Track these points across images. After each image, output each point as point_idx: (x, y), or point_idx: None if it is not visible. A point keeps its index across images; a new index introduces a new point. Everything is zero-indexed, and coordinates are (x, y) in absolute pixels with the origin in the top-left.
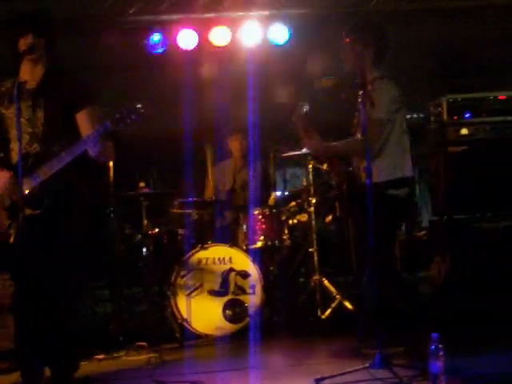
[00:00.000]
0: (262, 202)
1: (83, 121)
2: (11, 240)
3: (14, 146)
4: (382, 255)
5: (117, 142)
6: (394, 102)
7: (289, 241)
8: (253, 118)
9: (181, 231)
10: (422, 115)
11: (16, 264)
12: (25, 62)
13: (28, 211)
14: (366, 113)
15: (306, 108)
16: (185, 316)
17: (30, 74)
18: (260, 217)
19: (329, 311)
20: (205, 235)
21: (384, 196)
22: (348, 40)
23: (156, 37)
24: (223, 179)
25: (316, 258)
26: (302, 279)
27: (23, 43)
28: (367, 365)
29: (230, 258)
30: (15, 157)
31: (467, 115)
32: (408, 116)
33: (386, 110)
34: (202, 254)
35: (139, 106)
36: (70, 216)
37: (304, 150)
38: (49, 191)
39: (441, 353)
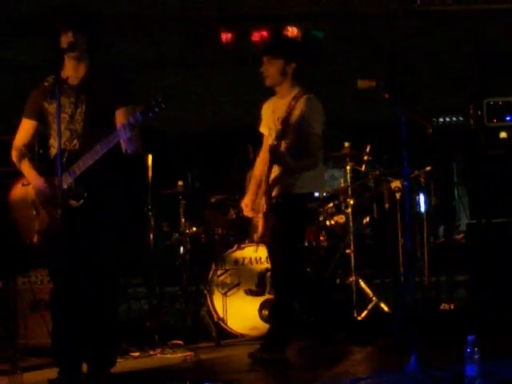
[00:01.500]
0: None
1: (121, 119)
2: (50, 236)
3: (54, 142)
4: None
5: (158, 140)
6: (323, 117)
7: (326, 242)
8: None
9: (218, 230)
10: (461, 118)
11: (54, 259)
12: (67, 59)
13: (69, 203)
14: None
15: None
16: (221, 315)
17: (72, 70)
18: None
19: (365, 313)
20: (242, 234)
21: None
22: (269, 57)
23: (198, 35)
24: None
25: (353, 259)
26: (338, 280)
27: (64, 40)
28: (403, 366)
29: (267, 258)
30: (54, 153)
31: (507, 118)
32: (448, 119)
33: (321, 125)
34: (239, 254)
35: (164, 96)
36: (109, 207)
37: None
38: (86, 184)
39: (476, 355)
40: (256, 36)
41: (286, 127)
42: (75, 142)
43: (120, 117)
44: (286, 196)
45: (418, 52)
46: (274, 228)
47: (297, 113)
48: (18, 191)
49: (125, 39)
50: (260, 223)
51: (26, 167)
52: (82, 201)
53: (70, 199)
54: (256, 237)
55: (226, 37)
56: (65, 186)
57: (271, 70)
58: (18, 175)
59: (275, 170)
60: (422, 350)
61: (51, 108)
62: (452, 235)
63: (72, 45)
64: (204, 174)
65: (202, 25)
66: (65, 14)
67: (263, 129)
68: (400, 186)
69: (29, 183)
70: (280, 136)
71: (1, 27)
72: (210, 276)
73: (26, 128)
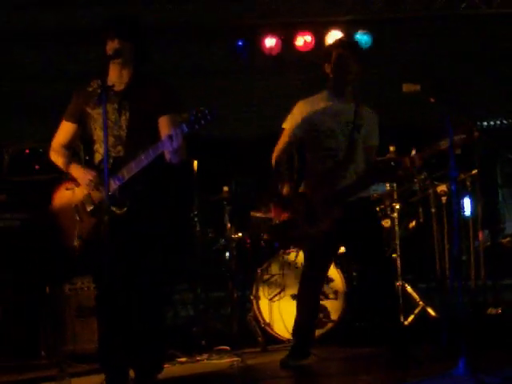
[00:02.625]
0: None
1: (165, 126)
2: (94, 242)
3: (99, 148)
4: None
5: (202, 147)
6: None
7: None
8: None
9: (264, 235)
10: (506, 121)
11: (99, 265)
12: (112, 66)
13: (113, 210)
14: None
15: None
16: (267, 320)
17: (117, 77)
18: None
19: (412, 317)
20: (287, 240)
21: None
22: (352, 54)
23: (240, 42)
24: None
25: (399, 263)
26: None
27: (110, 47)
28: (452, 370)
29: None
30: (98, 158)
31: None
32: (492, 122)
33: None
34: (284, 259)
35: (213, 108)
36: (153, 217)
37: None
38: (129, 193)
39: None
40: (300, 42)
41: (357, 134)
42: (119, 148)
43: (164, 125)
44: (363, 201)
45: (461, 55)
46: (362, 234)
47: (368, 122)
48: (62, 195)
49: (170, 47)
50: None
51: (74, 168)
52: (125, 209)
53: (114, 206)
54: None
55: (269, 43)
56: (109, 193)
57: (356, 67)
58: (60, 181)
59: (350, 175)
60: (470, 355)
61: (95, 113)
62: (497, 239)
63: (117, 51)
64: (249, 179)
65: (244, 32)
66: (112, 21)
67: (295, 126)
68: (446, 189)
69: (73, 187)
70: (355, 141)
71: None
72: (255, 281)
73: (64, 130)
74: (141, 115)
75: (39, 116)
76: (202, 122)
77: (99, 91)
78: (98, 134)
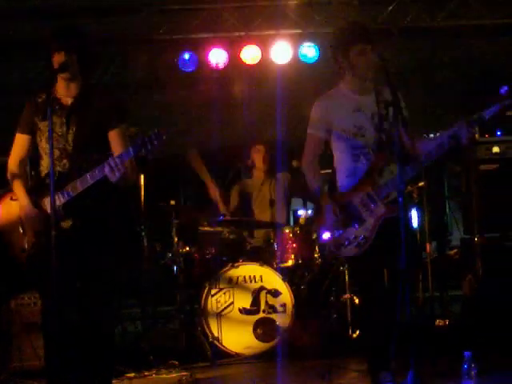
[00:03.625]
0: (288, 220)
1: (116, 139)
2: (37, 257)
3: (43, 162)
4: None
5: (146, 162)
6: None
7: (319, 259)
8: (280, 134)
9: (211, 249)
10: None
11: (44, 280)
12: (60, 78)
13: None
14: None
15: None
16: (216, 334)
17: (64, 90)
18: (291, 235)
19: (359, 331)
20: (235, 253)
21: None
22: (371, 46)
23: (186, 55)
24: (247, 196)
25: (347, 276)
26: (332, 298)
27: (56, 61)
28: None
29: (261, 277)
30: (44, 172)
31: (499, 133)
32: (438, 134)
33: None
34: (232, 273)
35: (161, 131)
36: (100, 232)
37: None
38: (73, 208)
39: (473, 371)
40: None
41: (386, 124)
42: (65, 161)
43: (115, 137)
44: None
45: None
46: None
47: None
48: (7, 206)
49: (121, 60)
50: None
51: (17, 186)
52: (66, 225)
53: (59, 220)
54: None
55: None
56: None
57: (376, 58)
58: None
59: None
60: (419, 367)
61: (42, 126)
62: (445, 250)
63: (64, 65)
64: (195, 193)
65: (190, 45)
66: (57, 33)
67: (316, 129)
68: None
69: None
70: (385, 133)
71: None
72: (203, 295)
73: (20, 143)
74: (88, 128)
75: None
76: (149, 146)
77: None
78: (43, 146)
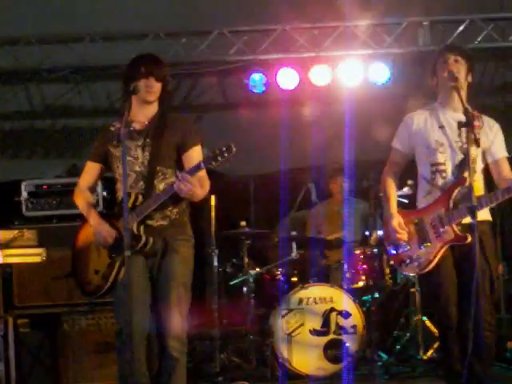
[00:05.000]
0: (363, 241)
1: (190, 161)
2: (112, 278)
3: (121, 186)
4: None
5: (220, 183)
6: None
7: (390, 280)
8: (352, 158)
9: (282, 270)
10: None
11: (120, 302)
12: (137, 103)
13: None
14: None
15: None
16: (285, 356)
17: (141, 115)
18: (361, 256)
19: (431, 352)
20: (305, 274)
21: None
22: (459, 56)
23: (256, 76)
24: (324, 219)
25: (418, 297)
26: (403, 319)
27: (143, 85)
28: None
29: (331, 298)
30: (120, 196)
31: None
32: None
33: None
34: (302, 294)
35: (231, 145)
36: (177, 253)
37: (405, 190)
38: (147, 228)
39: None
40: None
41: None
42: (141, 184)
43: (189, 159)
44: (484, 224)
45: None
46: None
47: (487, 131)
48: (86, 230)
49: (191, 80)
50: (435, 254)
51: (93, 217)
52: (140, 245)
53: (132, 241)
54: (417, 269)
55: (283, 77)
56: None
57: (462, 71)
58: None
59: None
60: None
61: (117, 152)
62: None
63: (152, 91)
64: (266, 214)
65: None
66: (148, 60)
67: (399, 143)
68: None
69: None
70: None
71: (66, 74)
72: (273, 316)
73: (89, 170)
74: (163, 151)
75: (55, 152)
76: (219, 158)
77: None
78: (120, 172)
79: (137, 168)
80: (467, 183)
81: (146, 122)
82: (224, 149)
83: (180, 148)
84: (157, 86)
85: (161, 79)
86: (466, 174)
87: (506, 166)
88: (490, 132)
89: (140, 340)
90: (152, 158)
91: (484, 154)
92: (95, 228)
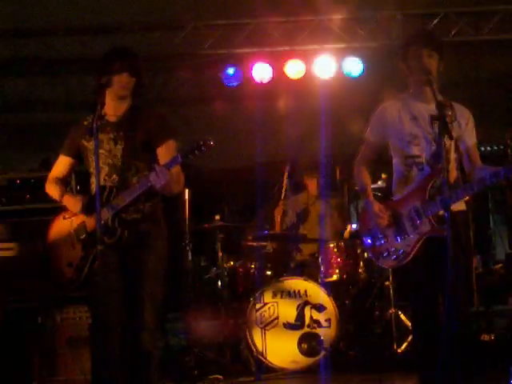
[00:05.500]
0: (337, 235)
1: (164, 155)
2: (85, 271)
3: (94, 179)
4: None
5: (194, 176)
6: None
7: (364, 274)
8: (327, 153)
9: (256, 264)
10: (498, 147)
11: (92, 294)
12: (110, 97)
13: (104, 240)
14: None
15: None
16: (260, 349)
17: (114, 108)
18: (335, 250)
19: (405, 345)
20: (279, 268)
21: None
22: (430, 50)
23: (231, 70)
24: (297, 212)
25: (392, 291)
26: (377, 313)
27: (117, 80)
28: None
29: (306, 291)
30: (94, 189)
31: None
32: (483, 148)
33: None
34: (277, 287)
35: (209, 139)
36: (146, 246)
37: (379, 183)
38: (122, 221)
39: None
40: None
41: (446, 137)
42: (114, 176)
43: (163, 152)
44: (461, 215)
45: (452, 81)
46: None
47: (459, 119)
48: (59, 224)
49: (166, 74)
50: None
51: (66, 198)
52: (115, 238)
53: (105, 235)
54: (395, 261)
55: (260, 70)
56: (102, 222)
57: (435, 65)
58: (59, 211)
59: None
60: (464, 382)
61: (90, 145)
62: (489, 265)
63: (126, 86)
64: (240, 208)
65: (234, 60)
66: (121, 55)
67: (371, 134)
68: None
69: (71, 217)
70: (443, 146)
71: (40, 67)
72: (248, 310)
73: (62, 163)
74: (136, 144)
75: (28, 146)
76: (197, 152)
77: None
78: (94, 165)
79: (110, 161)
80: (442, 174)
81: (119, 116)
82: (201, 143)
83: (153, 142)
84: (131, 81)
85: (135, 74)
86: (440, 166)
87: (475, 152)
88: (462, 119)
89: (114, 334)
90: (125, 152)
91: (457, 141)
92: (72, 206)
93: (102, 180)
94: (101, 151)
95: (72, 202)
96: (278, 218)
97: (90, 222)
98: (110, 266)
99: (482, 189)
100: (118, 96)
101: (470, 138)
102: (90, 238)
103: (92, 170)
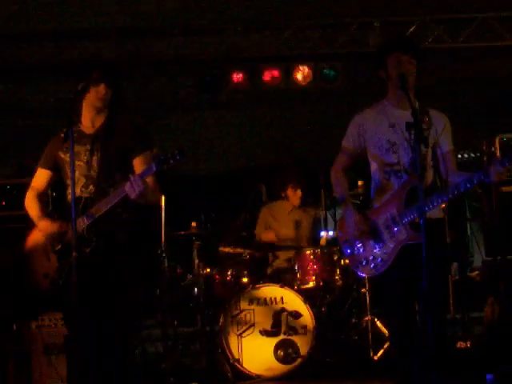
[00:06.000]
0: (314, 242)
1: (140, 166)
2: (60, 282)
3: (70, 189)
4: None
5: (169, 183)
6: None
7: (341, 281)
8: (310, 161)
9: (232, 271)
10: (475, 154)
11: (68, 304)
12: (87, 108)
13: (80, 249)
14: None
15: None
16: (236, 356)
17: (90, 120)
18: (312, 257)
19: (381, 352)
20: (256, 275)
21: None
22: (410, 56)
23: (209, 77)
24: (276, 220)
25: (368, 298)
26: (353, 320)
27: (94, 91)
28: None
29: (282, 298)
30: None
31: None
32: (460, 155)
33: None
34: (253, 294)
35: (184, 149)
36: (122, 256)
37: (357, 190)
38: (97, 231)
39: None
40: (267, 76)
41: (422, 144)
42: (91, 188)
43: (139, 163)
44: (437, 223)
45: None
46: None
47: (436, 126)
48: (35, 235)
49: (140, 81)
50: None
51: (43, 223)
52: (89, 248)
53: (80, 245)
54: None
55: (237, 77)
56: (78, 232)
57: (413, 72)
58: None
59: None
60: None
61: (67, 157)
62: (466, 272)
63: (103, 97)
64: (217, 214)
65: (215, 67)
66: (101, 66)
67: (348, 142)
68: None
69: None
70: (419, 153)
71: (15, 73)
72: (224, 317)
73: (40, 177)
74: (112, 154)
75: (4, 152)
76: (171, 162)
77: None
78: (70, 175)
79: (86, 172)
80: (418, 182)
81: (96, 127)
82: (176, 152)
83: (130, 153)
84: (107, 93)
85: (112, 86)
86: (416, 173)
87: (452, 158)
88: (438, 125)
89: (89, 343)
90: (101, 163)
91: (434, 148)
92: (47, 228)
93: (78, 191)
94: (78, 163)
95: (46, 227)
96: (260, 225)
97: (68, 233)
98: (85, 275)
99: (458, 195)
100: (95, 107)
101: (447, 144)
102: (65, 249)
103: (69, 181)
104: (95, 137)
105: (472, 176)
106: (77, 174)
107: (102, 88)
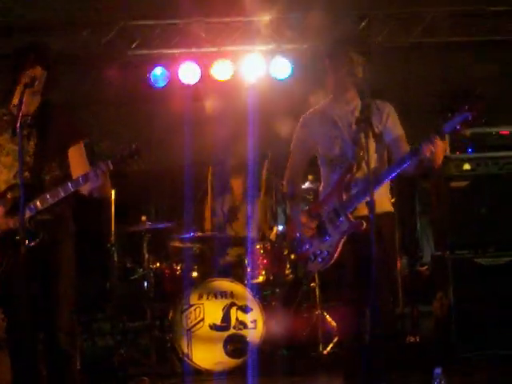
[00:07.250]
0: (264, 236)
1: (75, 157)
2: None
3: (2, 176)
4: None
5: (119, 177)
6: None
7: (291, 275)
8: (253, 154)
9: (182, 265)
10: None
11: (9, 298)
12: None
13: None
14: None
15: None
16: (185, 351)
17: (26, 104)
18: (261, 251)
19: (330, 346)
20: (206, 269)
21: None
22: (355, 54)
23: (158, 71)
24: (224, 213)
25: (318, 292)
26: (303, 314)
27: (27, 75)
28: None
29: (232, 293)
30: (3, 186)
31: (469, 150)
32: None
33: None
34: (203, 289)
35: (139, 146)
36: (62, 248)
37: (307, 184)
38: (40, 223)
39: None
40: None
41: (363, 133)
42: (26, 173)
43: (75, 154)
44: (388, 215)
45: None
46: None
47: (380, 114)
48: None
49: (93, 75)
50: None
51: None
52: (35, 241)
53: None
54: (321, 264)
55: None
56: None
57: (358, 69)
58: None
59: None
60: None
61: (1, 140)
62: (415, 266)
63: (35, 80)
64: (166, 208)
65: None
66: (33, 49)
67: (296, 146)
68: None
69: None
70: (360, 142)
71: None
72: (173, 311)
73: None
74: (48, 142)
75: None
76: (129, 160)
77: (5, 118)
78: (2, 160)
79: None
80: (355, 170)
81: (32, 112)
82: (134, 148)
83: (64, 142)
84: (43, 75)
85: (47, 67)
86: (352, 163)
87: (402, 144)
88: (384, 114)
89: (29, 335)
90: (37, 149)
91: (381, 137)
92: None
93: (11, 177)
94: (13, 148)
95: None
96: (207, 215)
97: (6, 223)
98: (24, 267)
99: (401, 168)
100: (30, 91)
101: (394, 130)
102: (5, 239)
103: (2, 167)
104: (30, 122)
105: (403, 156)
106: (11, 159)
107: (37, 70)
